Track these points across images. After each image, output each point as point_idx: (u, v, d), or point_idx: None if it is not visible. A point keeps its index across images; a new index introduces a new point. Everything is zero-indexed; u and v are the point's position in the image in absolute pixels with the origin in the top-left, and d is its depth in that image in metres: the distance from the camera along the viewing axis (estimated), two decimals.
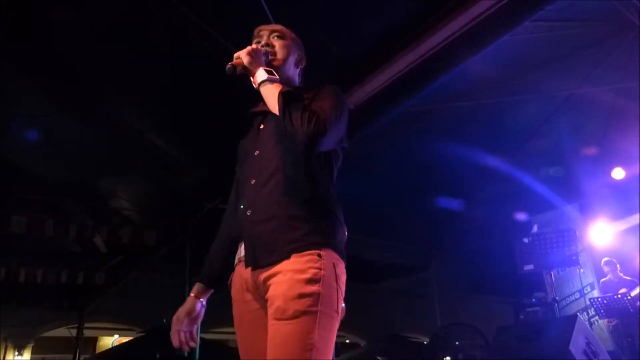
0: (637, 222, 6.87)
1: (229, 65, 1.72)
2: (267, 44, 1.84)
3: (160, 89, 4.97)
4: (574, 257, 5.01)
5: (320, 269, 1.48)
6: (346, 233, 1.65)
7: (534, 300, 6.34)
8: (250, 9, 3.91)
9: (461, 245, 7.87)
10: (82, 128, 5.72)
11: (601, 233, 7.07)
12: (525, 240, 5.09)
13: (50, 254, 8.57)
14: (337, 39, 4.24)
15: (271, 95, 1.64)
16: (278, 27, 1.94)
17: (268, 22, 3.87)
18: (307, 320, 1.42)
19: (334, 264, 1.52)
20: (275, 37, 1.88)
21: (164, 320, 9.65)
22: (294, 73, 1.89)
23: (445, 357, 5.13)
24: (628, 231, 6.99)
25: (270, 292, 1.50)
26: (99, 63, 4.64)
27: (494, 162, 6.15)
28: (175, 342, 1.80)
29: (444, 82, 4.35)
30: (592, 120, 6.27)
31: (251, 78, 1.73)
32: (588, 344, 3.45)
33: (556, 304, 5.60)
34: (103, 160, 6.33)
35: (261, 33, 1.91)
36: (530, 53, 5.03)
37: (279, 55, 1.83)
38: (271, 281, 1.51)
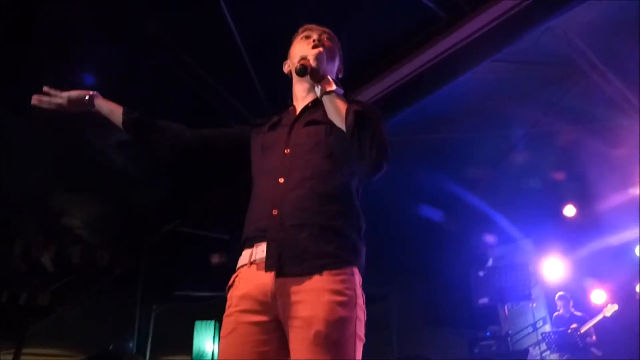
0: (588, 258, 7.12)
1: (299, 65, 1.64)
2: (323, 45, 1.75)
3: (123, 103, 4.86)
4: (527, 292, 5.12)
5: (354, 290, 1.45)
6: (365, 249, 1.59)
7: (488, 334, 6.42)
8: (218, 31, 3.92)
9: (420, 277, 7.93)
10: (36, 141, 5.55)
11: (554, 268, 7.27)
12: (481, 273, 5.18)
13: None
14: None
15: (336, 108, 1.58)
16: (330, 32, 1.87)
17: (231, 34, 3.93)
18: (350, 347, 1.39)
19: (360, 282, 1.49)
20: (326, 38, 1.81)
21: (110, 346, 9.35)
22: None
23: None
24: (579, 267, 7.21)
25: (304, 312, 1.41)
26: (59, 74, 4.53)
27: (453, 195, 6.27)
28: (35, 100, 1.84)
29: (406, 115, 4.45)
30: (546, 157, 6.50)
31: (315, 83, 1.66)
32: None
33: (509, 338, 5.69)
34: (55, 175, 6.13)
35: (309, 32, 1.83)
36: (489, 91, 5.22)
37: (323, 56, 1.72)
38: (302, 297, 1.42)
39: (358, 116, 1.53)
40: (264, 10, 3.87)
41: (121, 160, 5.75)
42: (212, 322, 6.67)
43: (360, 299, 1.47)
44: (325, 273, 1.43)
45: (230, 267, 5.62)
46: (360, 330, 1.44)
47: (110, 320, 10.00)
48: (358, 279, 1.49)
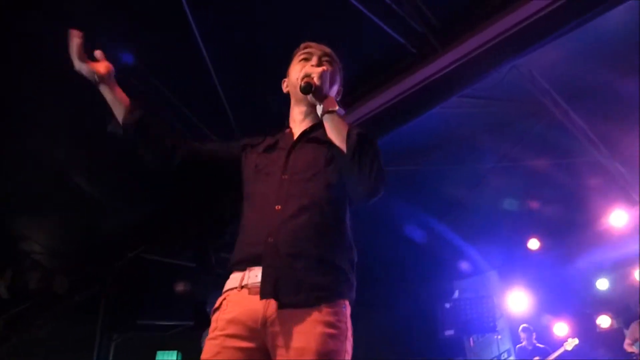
0: (551, 291, 7.24)
1: (303, 83, 1.63)
2: (323, 66, 1.72)
3: (88, 127, 4.77)
4: (492, 324, 5.17)
5: (346, 323, 1.46)
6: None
7: None
8: (190, 58, 3.93)
9: (386, 308, 7.91)
10: None
11: (518, 300, 7.37)
12: (447, 305, 5.21)
13: None
14: (277, 98, 4.32)
15: (337, 130, 1.57)
16: (328, 49, 1.82)
17: (206, 68, 3.93)
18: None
19: (347, 312, 1.50)
20: (326, 61, 1.77)
21: None
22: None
23: None
24: (543, 299, 7.33)
25: (297, 343, 1.40)
26: (20, 98, 4.44)
27: (420, 226, 6.34)
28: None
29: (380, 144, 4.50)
30: (513, 190, 6.66)
31: (316, 102, 1.63)
32: None
33: None
34: (15, 197, 5.93)
35: (310, 50, 1.80)
36: (457, 125, 5.35)
37: (325, 78, 1.71)
38: (295, 328, 1.41)
39: (360, 138, 1.54)
40: (236, 37, 3.91)
41: (85, 183, 5.63)
42: (175, 352, 6.49)
43: (350, 332, 1.48)
44: (320, 305, 1.43)
45: (194, 296, 5.56)
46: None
47: (69, 349, 9.61)
48: (349, 311, 1.50)
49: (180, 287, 5.66)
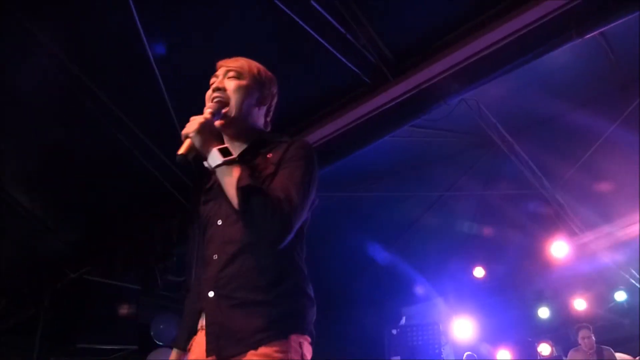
0: (494, 318, 7.41)
1: (179, 155, 1.47)
2: (218, 88, 1.62)
3: (31, 143, 4.63)
4: (437, 351, 5.24)
5: (287, 353, 1.40)
6: (314, 307, 1.55)
7: None
8: (139, 71, 3.90)
9: (332, 334, 7.88)
10: None
11: (463, 327, 7.50)
12: (394, 331, 5.25)
13: None
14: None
15: (229, 184, 1.44)
16: (236, 62, 1.68)
17: (156, 84, 3.90)
18: None
19: (300, 344, 1.45)
20: (230, 77, 1.64)
21: None
22: (255, 117, 1.67)
23: None
24: (487, 327, 7.49)
25: None
26: None
27: (367, 252, 6.40)
28: None
29: (328, 172, 4.56)
30: (459, 219, 6.84)
31: (205, 159, 1.49)
32: None
33: None
34: None
35: (217, 72, 1.68)
36: (407, 153, 5.49)
37: (232, 102, 1.60)
38: None
39: (244, 192, 1.41)
40: (189, 60, 3.91)
41: (25, 199, 5.41)
42: None
43: (296, 357, 1.44)
44: (260, 348, 1.40)
45: (139, 319, 5.37)
46: None
47: None
48: (298, 339, 1.46)
49: (124, 309, 5.48)
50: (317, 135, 4.37)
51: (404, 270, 6.70)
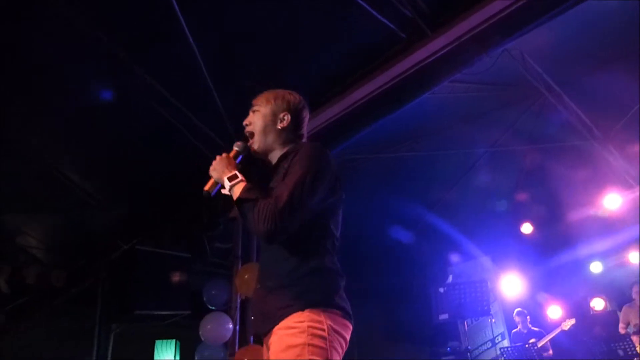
0: (545, 275, 7.28)
1: (204, 192, 1.83)
2: (246, 125, 1.94)
3: (79, 123, 4.79)
4: (485, 308, 5.20)
5: (304, 322, 1.59)
6: (341, 282, 1.74)
7: (448, 349, 6.48)
8: (179, 48, 3.92)
9: (381, 295, 7.96)
10: None
11: (512, 284, 7.41)
12: (441, 290, 5.23)
13: None
14: (265, 86, 4.32)
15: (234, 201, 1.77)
16: (258, 98, 1.97)
17: (194, 59, 3.94)
18: None
19: (323, 317, 1.61)
20: (253, 112, 1.94)
21: None
22: (278, 135, 1.90)
23: None
24: (536, 283, 7.38)
25: (269, 354, 1.67)
26: (12, 93, 4.43)
27: (413, 213, 6.35)
28: None
29: (369, 134, 4.51)
30: (504, 176, 6.68)
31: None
32: None
33: (469, 353, 5.76)
34: (10, 194, 5.94)
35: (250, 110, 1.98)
36: (449, 111, 5.35)
37: (255, 133, 1.90)
38: (271, 345, 1.65)
39: (238, 203, 1.73)
40: (227, 29, 3.89)
41: (77, 178, 5.63)
42: (172, 341, 6.52)
43: (319, 329, 1.59)
44: (281, 322, 1.63)
45: (190, 285, 5.57)
46: (317, 355, 1.56)
47: (69, 341, 9.66)
48: (319, 313, 1.62)
49: (175, 277, 5.68)
50: (354, 97, 4.30)
51: (450, 229, 6.63)
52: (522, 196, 6.62)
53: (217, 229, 5.16)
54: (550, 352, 6.21)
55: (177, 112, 4.50)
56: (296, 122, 1.93)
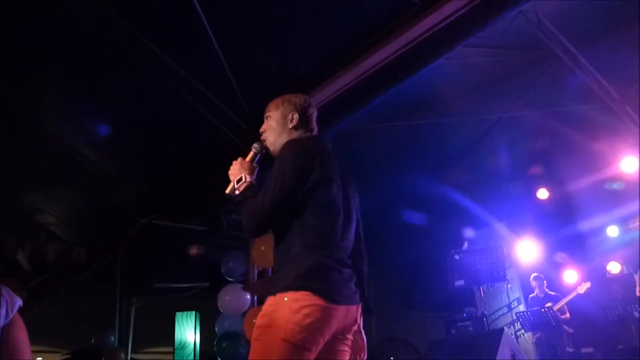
0: (560, 240, 7.27)
1: (225, 195, 2.09)
2: (261, 132, 2.17)
3: (93, 101, 4.82)
4: (501, 273, 5.22)
5: (274, 305, 1.77)
6: (321, 261, 1.83)
7: (464, 315, 6.54)
8: (191, 24, 3.90)
9: (396, 262, 8.01)
10: (6, 139, 5.44)
11: (527, 250, 7.42)
12: (456, 256, 5.25)
13: None
14: (277, 60, 4.29)
15: None
16: (269, 106, 2.18)
17: (206, 34, 3.92)
18: (255, 346, 1.78)
19: (289, 299, 1.75)
20: (266, 118, 2.17)
21: (92, 340, 9.23)
22: (287, 137, 2.08)
23: None
24: (552, 249, 7.37)
25: None
26: (26, 73, 4.45)
27: (428, 181, 6.33)
28: None
29: (382, 102, 4.47)
30: (520, 142, 6.61)
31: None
32: (513, 355, 3.60)
33: (485, 319, 5.81)
34: (28, 173, 6.02)
35: None
36: (463, 77, 5.26)
37: (268, 138, 2.14)
38: None
39: (235, 204, 1.99)
40: (237, 6, 3.85)
41: (93, 156, 5.68)
42: (193, 312, 6.65)
43: (280, 310, 1.74)
44: (263, 305, 1.85)
45: (208, 258, 5.64)
46: (272, 335, 1.73)
47: (91, 315, 9.90)
48: (282, 297, 1.77)
49: (193, 250, 5.75)
50: (368, 64, 4.23)
51: (465, 195, 6.61)
52: (538, 162, 6.55)
53: (232, 202, 5.20)
54: (567, 314, 6.25)
55: (192, 89, 4.49)
56: (304, 119, 2.13)
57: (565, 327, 6.17)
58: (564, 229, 7.25)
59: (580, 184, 6.87)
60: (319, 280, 1.78)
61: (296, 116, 2.11)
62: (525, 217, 7.31)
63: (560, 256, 7.14)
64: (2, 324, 1.62)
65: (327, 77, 4.35)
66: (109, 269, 7.70)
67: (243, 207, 1.92)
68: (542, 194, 7.18)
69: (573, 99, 5.84)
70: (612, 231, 7.23)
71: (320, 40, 4.25)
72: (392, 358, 5.03)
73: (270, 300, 1.79)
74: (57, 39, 4.05)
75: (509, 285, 7.24)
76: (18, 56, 4.17)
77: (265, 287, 2.12)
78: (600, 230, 7.26)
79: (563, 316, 6.22)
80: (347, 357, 1.92)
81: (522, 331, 6.76)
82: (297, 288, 1.76)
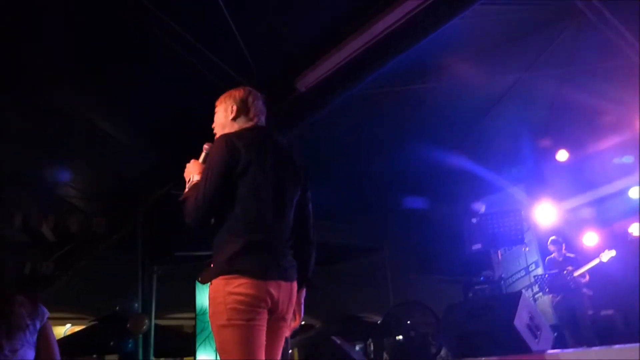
0: (579, 203, 7.16)
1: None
2: (212, 128, 2.34)
3: (107, 73, 4.82)
4: (519, 236, 5.17)
5: (209, 294, 1.97)
6: (248, 246, 1.97)
7: (481, 278, 6.52)
8: None
9: (413, 227, 8.00)
10: (26, 115, 5.50)
11: (546, 213, 7.33)
12: (473, 220, 5.21)
13: None
14: (288, 23, 4.21)
15: None
16: (216, 102, 2.34)
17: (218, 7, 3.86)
18: (215, 337, 1.95)
19: (221, 284, 1.93)
20: (215, 115, 2.33)
21: (117, 307, 9.47)
22: (230, 129, 2.24)
23: (398, 335, 5.24)
24: (571, 211, 7.27)
25: None
26: (41, 48, 4.46)
27: (444, 144, 6.24)
28: None
29: (397, 66, 4.37)
30: (538, 103, 6.44)
31: None
32: (531, 318, 3.59)
33: (503, 282, 5.79)
34: (49, 147, 6.11)
35: None
36: (480, 37, 5.11)
37: (216, 132, 2.30)
38: None
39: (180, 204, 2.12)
40: None
41: (111, 128, 5.72)
42: None
43: (219, 295, 1.92)
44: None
45: None
46: (232, 316, 1.88)
47: (114, 284, 10.18)
48: (216, 284, 1.94)
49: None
50: (379, 27, 4.12)
51: (483, 158, 6.50)
52: (557, 122, 6.39)
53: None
54: (587, 277, 6.19)
55: (203, 56, 4.45)
56: (244, 109, 2.27)
57: (584, 289, 6.13)
58: (585, 190, 7.13)
59: (601, 145, 6.70)
60: (246, 262, 1.94)
61: (235, 108, 2.27)
62: (544, 179, 7.18)
63: (579, 225, 7.04)
64: (38, 328, 2.15)
65: (339, 41, 4.26)
66: (130, 238, 7.85)
67: (185, 204, 2.06)
68: (562, 155, 7.03)
69: (595, 57, 5.64)
70: (634, 193, 7.08)
71: (331, 3, 4.15)
72: (408, 321, 5.07)
73: (210, 288, 1.97)
74: (69, 12, 4.02)
75: (527, 249, 7.18)
76: (34, 30, 4.16)
77: (203, 276, 2.07)
78: (622, 193, 7.11)
79: (584, 280, 6.16)
80: (285, 334, 2.11)
81: (540, 294, 6.75)
82: (228, 272, 1.93)
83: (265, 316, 1.94)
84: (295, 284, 2.08)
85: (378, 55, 4.20)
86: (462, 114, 6.20)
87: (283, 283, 2.00)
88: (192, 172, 2.20)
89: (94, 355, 13.78)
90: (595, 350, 2.72)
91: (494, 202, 7.38)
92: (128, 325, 7.81)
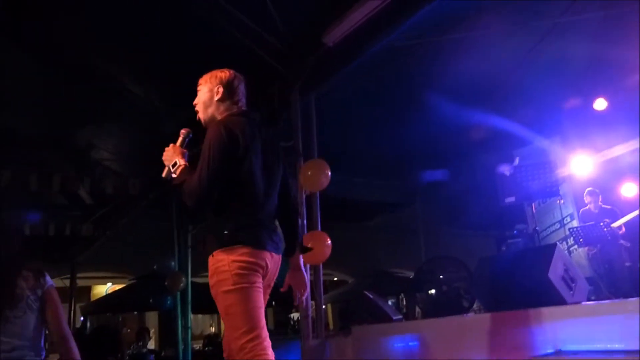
0: (618, 153, 6.94)
1: (162, 179, 2.37)
2: (194, 105, 2.44)
3: (136, 35, 4.84)
4: (554, 189, 5.06)
5: (212, 264, 2.15)
6: (246, 221, 2.18)
7: (515, 231, 6.48)
8: None
9: (445, 181, 7.91)
10: (58, 78, 5.59)
11: (582, 164, 7.15)
12: (507, 172, 5.10)
13: (36, 207, 8.52)
14: None
15: None
16: (200, 80, 2.43)
17: None
18: (218, 303, 2.15)
19: (224, 254, 2.12)
20: (198, 92, 2.42)
21: (155, 266, 9.77)
22: (215, 109, 2.38)
23: (430, 289, 5.28)
24: (608, 162, 7.06)
25: None
26: (73, 11, 4.48)
27: (478, 94, 6.07)
28: None
29: (427, 16, 4.23)
30: (576, 50, 6.15)
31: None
32: (566, 270, 3.54)
33: (537, 235, 5.71)
34: (80, 110, 6.21)
35: None
36: None
37: (199, 110, 2.42)
38: None
39: (177, 188, 2.24)
40: None
41: (143, 90, 5.77)
42: None
43: (224, 264, 2.10)
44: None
45: None
46: (237, 281, 2.09)
47: (151, 244, 10.51)
48: (219, 254, 2.14)
49: None
50: None
51: (517, 108, 6.31)
52: (595, 70, 6.11)
53: (277, 127, 5.22)
54: (623, 229, 6.07)
55: (228, 14, 4.41)
56: (229, 91, 2.37)
57: (622, 241, 6.02)
58: (623, 141, 6.89)
59: None
60: (245, 235, 2.16)
61: (221, 90, 2.36)
62: (582, 129, 6.94)
63: (617, 176, 6.82)
64: (39, 295, 2.30)
65: None
66: (165, 198, 8.03)
67: (184, 187, 2.17)
68: (600, 104, 6.76)
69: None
70: None
71: None
72: (441, 276, 5.09)
73: (212, 261, 2.16)
74: None
75: (562, 201, 7.05)
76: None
77: (204, 249, 2.29)
78: None
79: (620, 231, 6.04)
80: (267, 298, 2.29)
81: (575, 247, 6.66)
82: (230, 244, 2.13)
83: (262, 281, 2.17)
84: (280, 257, 2.31)
85: (407, 5, 4.07)
86: (498, 62, 5.98)
87: (275, 255, 2.24)
88: (174, 156, 2.32)
89: (135, 312, 14.44)
90: (632, 301, 2.67)
91: (529, 154, 7.20)
92: (166, 283, 8.11)
